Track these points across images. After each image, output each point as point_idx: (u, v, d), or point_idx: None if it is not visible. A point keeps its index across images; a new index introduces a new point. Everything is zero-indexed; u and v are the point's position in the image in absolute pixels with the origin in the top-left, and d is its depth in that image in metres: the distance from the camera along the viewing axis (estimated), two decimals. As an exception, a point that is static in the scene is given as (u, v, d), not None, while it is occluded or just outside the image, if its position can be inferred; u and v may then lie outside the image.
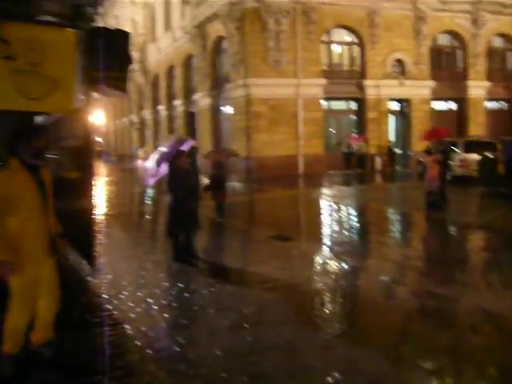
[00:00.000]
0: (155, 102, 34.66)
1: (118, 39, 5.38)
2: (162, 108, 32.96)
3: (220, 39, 24.02)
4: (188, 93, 28.75)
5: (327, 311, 4.82)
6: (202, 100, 25.65)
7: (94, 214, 5.25)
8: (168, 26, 31.83)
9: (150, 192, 15.67)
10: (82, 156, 5.36)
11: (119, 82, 5.37)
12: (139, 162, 34.68)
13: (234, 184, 19.24)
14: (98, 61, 5.22)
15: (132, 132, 40.99)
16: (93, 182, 5.26)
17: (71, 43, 5.54)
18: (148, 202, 14.79)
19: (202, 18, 24.14)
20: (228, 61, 23.15)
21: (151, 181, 6.76)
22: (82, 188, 5.24)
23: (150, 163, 6.58)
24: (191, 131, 27.44)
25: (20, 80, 5.25)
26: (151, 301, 5.01)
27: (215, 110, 25.03)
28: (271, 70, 21.20)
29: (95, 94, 5.91)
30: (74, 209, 5.22)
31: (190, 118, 28.46)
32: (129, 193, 17.80)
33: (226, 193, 10.44)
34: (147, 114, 36.20)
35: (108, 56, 5.23)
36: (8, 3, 5.02)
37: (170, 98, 31.93)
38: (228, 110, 23.86)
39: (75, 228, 5.28)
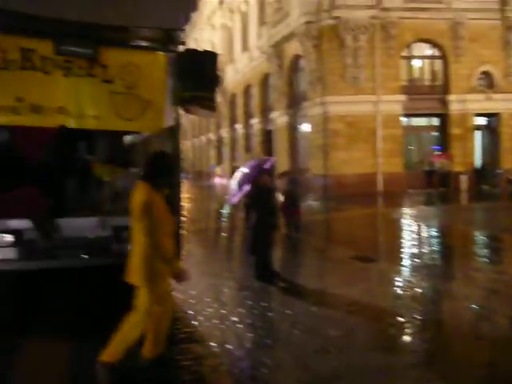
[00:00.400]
0: (232, 120, 35.50)
1: (207, 60, 5.54)
2: (239, 126, 33.67)
3: (297, 58, 24.20)
4: (265, 111, 29.15)
5: (416, 339, 4.55)
6: (279, 118, 25.87)
7: (182, 232, 5.36)
8: (245, 46, 32.65)
9: (226, 209, 15.94)
10: (172, 174, 5.52)
11: (208, 101, 5.51)
12: (216, 180, 35.67)
13: (311, 202, 19.12)
14: (187, 81, 5.40)
15: (209, 150, 42.21)
16: (181, 199, 5.38)
17: (162, 66, 5.78)
18: (224, 218, 15.01)
19: (279, 38, 24.49)
20: (305, 79, 23.22)
21: (234, 199, 6.85)
22: (171, 205, 5.38)
23: (233, 183, 6.67)
24: (268, 149, 27.72)
25: (117, 102, 5.55)
26: (235, 319, 5.01)
27: (292, 128, 25.12)
28: (349, 87, 20.97)
29: (185, 114, 6.10)
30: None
31: (267, 136, 28.78)
32: (207, 209, 18.20)
33: (300, 210, 10.39)
34: (225, 132, 37.14)
35: (197, 76, 5.41)
36: (107, 31, 5.33)
37: (247, 116, 32.56)
38: (305, 127, 23.84)
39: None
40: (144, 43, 5.69)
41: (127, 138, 9.25)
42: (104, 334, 3.55)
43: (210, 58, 5.60)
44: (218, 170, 36.78)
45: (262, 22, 28.97)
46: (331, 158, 20.89)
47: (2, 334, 4.59)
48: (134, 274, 3.53)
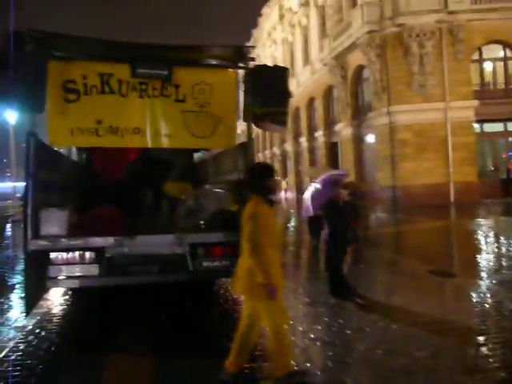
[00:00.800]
0: (296, 134, 35.50)
1: (277, 75, 5.54)
2: (303, 140, 33.59)
3: (360, 68, 23.86)
4: (329, 123, 28.93)
5: (509, 360, 4.20)
6: (344, 130, 25.54)
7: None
8: (307, 59, 32.69)
9: (293, 223, 15.83)
10: (243, 189, 5.54)
11: (280, 116, 5.50)
12: (281, 193, 35.70)
13: (380, 214, 18.59)
14: (259, 97, 5.43)
15: (274, 164, 42.41)
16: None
17: (232, 83, 5.86)
18: (292, 232, 14.90)
19: (341, 49, 24.28)
20: (369, 89, 22.83)
21: (307, 213, 6.78)
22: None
23: (306, 197, 6.60)
24: (333, 161, 27.41)
25: (189, 120, 5.68)
26: (313, 336, 4.90)
27: (357, 140, 24.69)
28: (416, 95, 20.36)
29: (257, 129, 6.13)
30: (237, 243, 5.37)
31: (332, 148, 28.49)
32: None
33: (359, 222, 10.37)
34: (289, 146, 37.18)
35: (269, 92, 5.42)
36: (180, 52, 5.48)
37: (311, 129, 32.45)
38: (371, 138, 23.35)
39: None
40: (215, 61, 5.80)
41: (198, 156, 9.51)
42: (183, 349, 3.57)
43: (280, 72, 5.60)
44: (282, 183, 36.80)
45: (323, 34, 28.93)
46: (399, 168, 20.28)
47: (85, 350, 4.75)
48: (243, 285, 3.61)
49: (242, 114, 5.68)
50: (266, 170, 3.79)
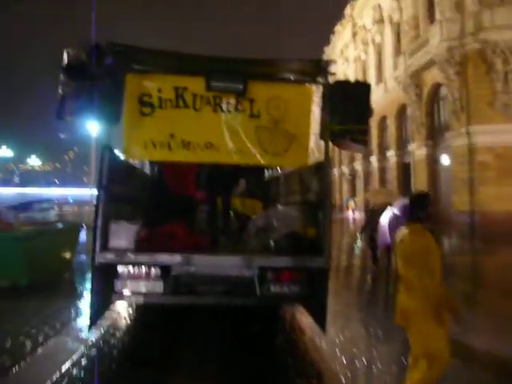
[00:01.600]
0: (367, 152, 34.49)
1: (359, 91, 5.19)
2: (373, 159, 32.61)
3: (437, 86, 22.84)
4: (401, 143, 27.91)
5: None
6: (418, 150, 24.46)
7: (329, 276, 4.95)
8: (380, 77, 31.90)
9: (359, 244, 15.19)
10: (318, 211, 5.19)
11: (360, 135, 5.13)
12: (349, 213, 34.84)
13: (453, 240, 17.46)
14: (339, 114, 5.09)
15: (342, 183, 41.53)
16: (331, 241, 4.99)
17: (309, 99, 5.57)
18: (357, 253, 14.24)
19: (417, 67, 23.39)
20: (447, 108, 21.76)
21: (385, 241, 6.25)
22: (318, 246, 5.03)
23: (384, 222, 6.12)
24: (405, 183, 26.34)
25: (263, 137, 5.44)
26: (388, 378, 4.41)
27: (432, 161, 23.53)
28: (499, 114, 19.09)
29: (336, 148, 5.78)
30: (308, 268, 5.02)
31: (404, 169, 27.38)
32: (342, 244, 17.57)
33: None
34: (358, 165, 36.26)
35: (349, 109, 5.07)
36: (256, 65, 5.27)
37: (382, 148, 31.47)
38: (447, 160, 22.14)
39: (309, 290, 5.09)
40: (293, 76, 5.54)
41: (270, 174, 9.28)
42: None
43: (362, 88, 5.24)
44: (351, 203, 35.95)
45: (397, 51, 28.13)
46: (478, 192, 18.99)
47: (147, 368, 4.58)
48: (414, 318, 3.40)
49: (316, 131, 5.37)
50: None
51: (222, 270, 5.01)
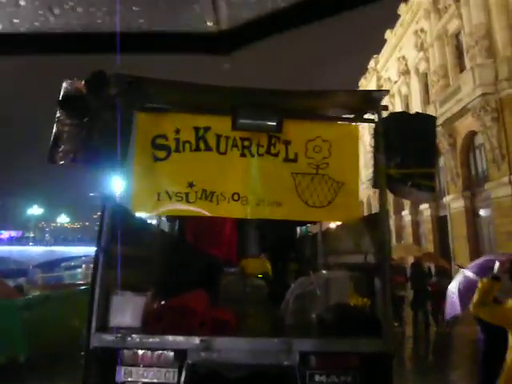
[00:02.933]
0: (397, 206, 33.04)
1: (420, 125, 4.18)
2: (405, 213, 31.12)
3: (472, 134, 21.78)
4: (436, 195, 26.53)
5: None
6: (454, 202, 23.06)
7: (393, 365, 3.74)
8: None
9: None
10: (375, 276, 4.07)
11: (425, 179, 4.07)
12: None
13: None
14: (396, 154, 4.07)
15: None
16: (392, 315, 3.82)
17: (355, 139, 4.62)
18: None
19: (449, 115, 22.48)
20: (484, 157, 20.56)
21: (454, 311, 4.98)
22: (376, 322, 3.86)
23: (453, 288, 4.91)
24: (441, 238, 24.77)
25: (302, 185, 4.45)
26: None
27: (471, 213, 22.03)
28: (544, 162, 17.81)
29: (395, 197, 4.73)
30: (364, 354, 3.82)
31: (439, 222, 25.83)
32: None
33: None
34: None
35: (409, 148, 4.04)
36: (292, 98, 4.35)
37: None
38: (487, 212, 20.67)
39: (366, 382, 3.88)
40: (337, 111, 4.61)
41: (305, 229, 8.21)
42: None
43: (424, 122, 4.24)
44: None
45: (426, 101, 27.42)
46: (527, 247, 17.38)
47: None
48: None
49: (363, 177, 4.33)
50: None
51: (253, 357, 3.83)
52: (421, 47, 27.65)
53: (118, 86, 3.78)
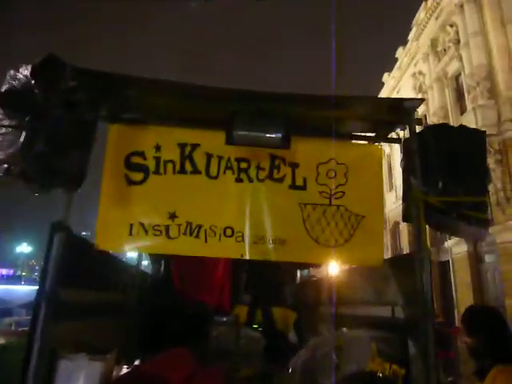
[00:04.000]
0: (395, 251, 32.01)
1: (467, 142, 3.30)
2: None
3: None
4: (435, 239, 25.59)
5: None
6: (457, 247, 22.08)
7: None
8: (392, 186, 30.50)
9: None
10: (410, 336, 3.08)
11: (476, 210, 3.16)
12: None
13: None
14: (435, 179, 3.18)
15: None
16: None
17: (377, 161, 3.74)
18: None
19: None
20: (489, 200, 19.78)
21: None
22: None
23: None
24: (443, 285, 23.64)
25: (312, 218, 3.52)
26: None
27: (474, 259, 21.05)
28: (551, 205, 17.06)
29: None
30: None
31: (441, 268, 24.77)
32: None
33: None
34: (385, 262, 33.68)
35: (452, 169, 3.15)
36: (304, 104, 3.48)
37: (398, 250, 29.21)
38: (492, 258, 19.70)
39: None
40: (355, 125, 3.74)
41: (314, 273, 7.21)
42: None
43: (471, 138, 3.35)
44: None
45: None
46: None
47: None
48: None
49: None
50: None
51: None
52: (419, 89, 27.44)
53: (80, 79, 2.90)
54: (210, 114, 3.54)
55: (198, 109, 3.52)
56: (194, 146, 3.65)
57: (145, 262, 7.19)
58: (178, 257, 5.56)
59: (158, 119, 3.70)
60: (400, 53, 30.52)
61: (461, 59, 22.18)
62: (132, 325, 4.53)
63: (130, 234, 3.43)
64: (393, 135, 3.85)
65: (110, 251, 3.70)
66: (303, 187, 3.67)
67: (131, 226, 3.44)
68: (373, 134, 3.89)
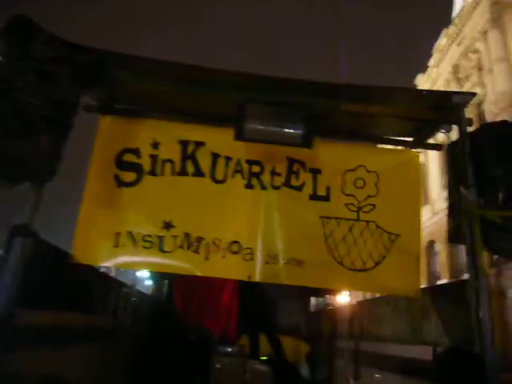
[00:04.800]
0: (429, 276, 30.84)
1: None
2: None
3: None
4: (455, 271, 24.63)
5: None
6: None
7: None
8: (425, 199, 29.69)
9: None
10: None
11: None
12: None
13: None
14: (494, 189, 2.56)
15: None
16: None
17: (414, 169, 3.15)
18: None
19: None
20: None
21: None
22: None
23: None
24: (501, 314, 22.58)
25: (335, 235, 2.92)
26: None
27: (498, 293, 20.05)
28: None
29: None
30: None
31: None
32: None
33: None
34: (400, 294, 32.49)
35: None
36: (331, 94, 2.89)
37: (433, 278, 28.07)
38: (516, 292, 18.74)
39: None
40: (391, 124, 3.15)
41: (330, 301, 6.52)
42: None
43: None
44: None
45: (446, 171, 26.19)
46: None
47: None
48: None
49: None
50: None
51: None
52: (440, 116, 26.92)
53: (63, 51, 2.36)
54: (217, 106, 2.98)
55: (203, 98, 2.96)
56: (198, 144, 3.09)
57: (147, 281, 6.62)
58: (180, 275, 4.96)
59: (157, 111, 3.15)
60: (420, 79, 30.05)
61: (483, 85, 21.61)
62: (121, 355, 3.87)
63: (116, 244, 2.85)
64: (429, 140, 3.27)
65: (91, 264, 3.09)
66: (326, 198, 3.07)
67: (117, 235, 2.86)
68: (408, 139, 3.30)
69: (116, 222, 2.90)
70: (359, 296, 5.13)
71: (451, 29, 25.80)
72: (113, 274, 5.50)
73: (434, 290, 3.10)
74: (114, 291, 4.00)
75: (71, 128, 2.43)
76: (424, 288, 2.99)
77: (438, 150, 3.20)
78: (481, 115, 22.79)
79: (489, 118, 20.97)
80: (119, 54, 2.68)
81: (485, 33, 22.04)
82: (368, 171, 3.12)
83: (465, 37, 24.51)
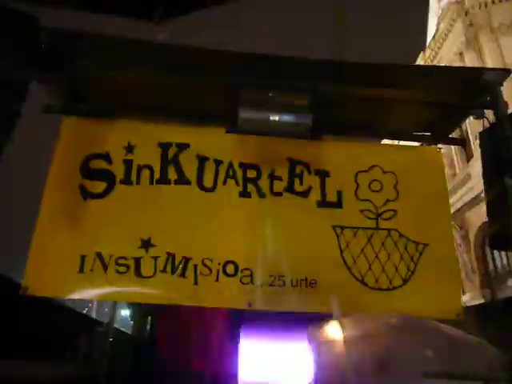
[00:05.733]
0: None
1: None
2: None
3: (486, 225, 20.02)
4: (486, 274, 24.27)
5: None
6: (472, 303, 20.68)
7: None
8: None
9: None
10: None
11: None
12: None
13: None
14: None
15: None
16: None
17: (438, 168, 2.68)
18: None
19: (459, 206, 21.00)
20: (504, 253, 18.65)
21: None
22: None
23: None
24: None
25: (351, 249, 2.40)
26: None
27: (493, 314, 19.65)
28: None
29: None
30: None
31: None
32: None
33: None
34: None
35: None
36: (339, 77, 2.40)
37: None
38: (513, 312, 18.30)
39: None
40: (411, 115, 2.67)
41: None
42: None
43: None
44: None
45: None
46: None
47: None
48: None
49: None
50: None
51: None
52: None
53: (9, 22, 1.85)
54: (203, 98, 2.47)
55: (187, 90, 2.45)
56: (182, 146, 2.57)
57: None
58: (164, 306, 4.34)
59: (131, 110, 2.64)
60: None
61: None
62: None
63: (81, 270, 2.27)
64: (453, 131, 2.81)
65: (49, 297, 2.48)
66: (337, 204, 2.55)
67: (83, 258, 2.29)
68: (426, 134, 2.84)
69: (81, 241, 2.33)
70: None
71: (428, 52, 26.18)
72: (93, 307, 4.82)
73: (480, 310, 2.58)
74: (82, 332, 3.35)
75: (18, 119, 1.89)
76: (467, 307, 2.47)
77: (461, 145, 2.74)
78: (462, 135, 22.91)
79: (472, 140, 21.04)
80: (79, 32, 2.17)
81: (461, 54, 22.34)
82: (384, 172, 2.64)
83: (442, 59, 24.84)
